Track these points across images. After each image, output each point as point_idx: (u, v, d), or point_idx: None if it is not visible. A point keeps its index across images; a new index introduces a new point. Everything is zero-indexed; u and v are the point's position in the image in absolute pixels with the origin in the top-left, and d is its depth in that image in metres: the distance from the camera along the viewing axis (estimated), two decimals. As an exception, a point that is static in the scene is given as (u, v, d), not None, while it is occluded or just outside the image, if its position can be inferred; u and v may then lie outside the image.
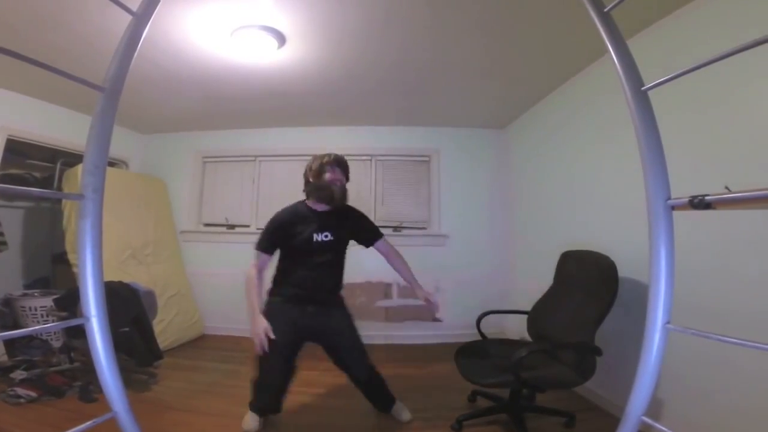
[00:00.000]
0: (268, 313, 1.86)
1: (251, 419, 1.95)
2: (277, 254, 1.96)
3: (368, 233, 2.00)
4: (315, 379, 2.61)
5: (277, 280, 2.00)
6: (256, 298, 1.88)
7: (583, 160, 2.52)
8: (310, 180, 1.91)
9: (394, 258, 2.04)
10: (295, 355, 1.94)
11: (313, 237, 1.86)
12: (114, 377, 0.54)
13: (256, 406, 1.96)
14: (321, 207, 1.92)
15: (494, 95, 3.00)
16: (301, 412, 2.16)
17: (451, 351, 2.04)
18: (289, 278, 1.95)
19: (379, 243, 2.02)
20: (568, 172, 2.68)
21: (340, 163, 1.89)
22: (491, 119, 3.60)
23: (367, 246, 2.02)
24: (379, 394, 2.06)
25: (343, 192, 1.90)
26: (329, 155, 1.91)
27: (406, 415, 2.07)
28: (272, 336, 1.76)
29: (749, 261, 1.42)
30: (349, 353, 1.98)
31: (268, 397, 1.93)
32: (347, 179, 1.94)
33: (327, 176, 1.85)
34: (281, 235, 1.91)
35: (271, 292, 1.99)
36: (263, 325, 1.77)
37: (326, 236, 1.88)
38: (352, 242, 2.04)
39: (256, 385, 1.95)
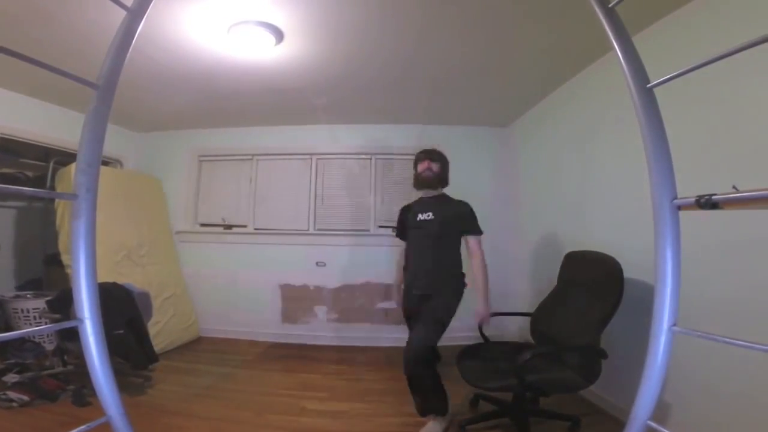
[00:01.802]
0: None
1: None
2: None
3: (466, 223, 2.14)
4: (316, 382, 2.62)
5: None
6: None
7: (587, 159, 2.52)
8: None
9: (472, 260, 2.11)
10: None
11: (418, 216, 2.20)
12: (108, 380, 0.54)
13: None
14: (426, 193, 2.26)
15: (496, 93, 3.00)
16: (301, 414, 2.16)
17: (453, 354, 2.04)
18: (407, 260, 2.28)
19: (470, 238, 2.12)
20: (572, 170, 2.68)
21: (428, 154, 2.23)
22: (494, 117, 3.60)
23: (461, 232, 2.16)
24: (418, 390, 1.98)
25: (435, 176, 2.20)
26: (421, 151, 2.28)
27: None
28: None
29: (757, 262, 1.42)
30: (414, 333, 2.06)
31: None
32: (441, 166, 2.23)
33: (418, 167, 2.24)
34: (401, 219, 2.36)
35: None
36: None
37: (428, 215, 2.16)
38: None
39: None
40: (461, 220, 2.13)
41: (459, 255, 2.18)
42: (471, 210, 2.17)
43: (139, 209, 3.55)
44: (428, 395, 1.98)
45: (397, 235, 2.44)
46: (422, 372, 1.92)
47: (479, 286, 2.05)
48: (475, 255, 2.09)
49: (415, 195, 2.38)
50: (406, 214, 2.32)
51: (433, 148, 2.32)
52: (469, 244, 2.12)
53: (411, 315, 2.20)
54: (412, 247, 2.26)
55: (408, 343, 2.00)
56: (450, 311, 2.05)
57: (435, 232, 2.13)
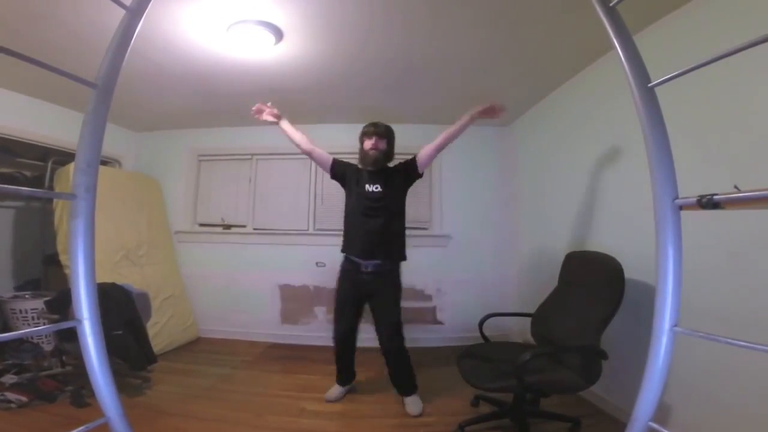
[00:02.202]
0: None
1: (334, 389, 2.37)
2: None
3: (411, 165, 2.23)
4: (315, 383, 2.62)
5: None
6: None
7: (588, 159, 2.52)
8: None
9: (439, 143, 2.21)
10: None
11: (366, 186, 2.23)
12: (107, 381, 0.54)
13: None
14: (370, 169, 2.28)
15: (497, 92, 2.99)
16: (300, 415, 2.16)
17: (453, 354, 2.04)
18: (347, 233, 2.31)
19: (421, 157, 2.23)
20: (573, 170, 2.68)
21: (376, 129, 2.25)
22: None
23: (421, 172, 2.26)
24: (400, 369, 2.23)
25: (382, 155, 2.24)
26: (368, 124, 2.29)
27: (414, 408, 2.16)
28: None
29: (759, 262, 1.42)
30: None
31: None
32: (388, 142, 2.28)
33: (365, 143, 2.25)
34: (345, 169, 2.35)
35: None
36: None
37: (377, 188, 2.21)
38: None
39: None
40: (406, 170, 2.25)
41: (404, 225, 2.29)
42: (405, 161, 2.28)
43: (138, 209, 3.54)
44: (407, 374, 2.23)
45: (331, 168, 2.34)
46: (403, 350, 2.20)
47: (456, 127, 2.18)
48: (436, 143, 2.21)
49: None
50: (355, 174, 2.31)
51: (381, 122, 2.31)
52: (426, 155, 2.22)
53: (361, 289, 2.23)
54: (358, 217, 2.22)
55: (383, 326, 2.18)
56: (401, 288, 2.26)
57: (386, 204, 2.19)
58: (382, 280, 2.19)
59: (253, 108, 2.30)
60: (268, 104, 2.32)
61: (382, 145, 2.24)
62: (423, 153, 2.25)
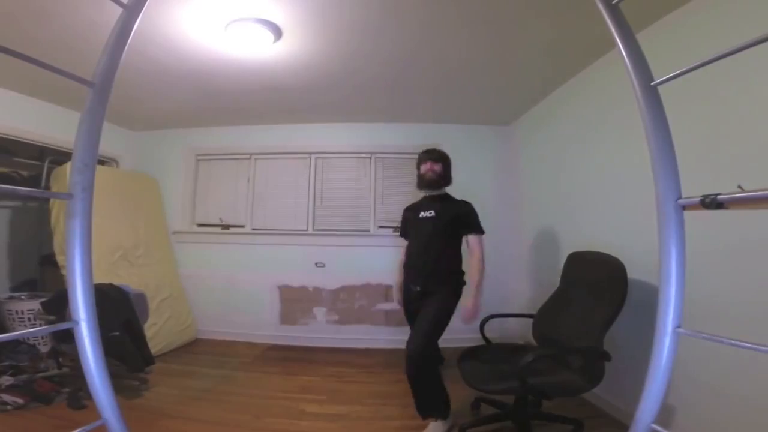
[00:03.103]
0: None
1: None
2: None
3: (468, 222, 2.21)
4: (315, 384, 2.62)
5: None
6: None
7: (590, 158, 2.52)
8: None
9: (471, 258, 2.17)
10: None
11: (420, 214, 2.29)
12: (104, 383, 0.54)
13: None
14: (429, 193, 2.33)
15: (498, 91, 3.00)
16: (300, 417, 2.16)
17: (454, 356, 2.04)
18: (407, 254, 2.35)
19: (470, 236, 2.18)
20: (575, 169, 2.68)
21: (430, 155, 2.30)
22: (495, 115, 3.60)
23: (462, 233, 2.22)
24: (420, 391, 1.97)
25: (437, 177, 2.27)
26: (423, 152, 2.35)
27: None
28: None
29: (763, 262, 1.42)
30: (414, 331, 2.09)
31: None
32: (444, 166, 2.30)
33: (421, 168, 2.31)
34: (405, 217, 2.44)
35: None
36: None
37: (430, 213, 2.24)
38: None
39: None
40: (463, 219, 2.20)
41: (459, 253, 2.23)
42: (473, 209, 2.25)
43: (136, 209, 3.55)
44: (428, 396, 1.99)
45: (401, 235, 2.49)
46: (423, 371, 1.95)
47: (472, 280, 2.10)
48: (474, 253, 2.15)
49: (416, 194, 2.42)
50: (410, 213, 2.40)
51: (434, 147, 2.38)
52: (469, 242, 2.17)
53: (411, 313, 2.23)
54: (413, 243, 2.32)
55: (408, 341, 2.01)
56: (449, 310, 2.09)
57: (436, 229, 2.19)
58: (429, 295, 2.12)
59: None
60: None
61: (437, 167, 2.27)
62: (473, 244, 2.16)
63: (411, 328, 2.15)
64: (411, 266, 2.27)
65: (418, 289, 2.17)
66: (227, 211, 3.93)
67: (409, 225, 2.39)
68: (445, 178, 2.30)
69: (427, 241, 2.21)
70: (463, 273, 2.21)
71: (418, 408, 2.01)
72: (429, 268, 2.16)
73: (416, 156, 2.37)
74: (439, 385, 1.99)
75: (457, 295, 2.16)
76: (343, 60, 2.47)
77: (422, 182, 2.30)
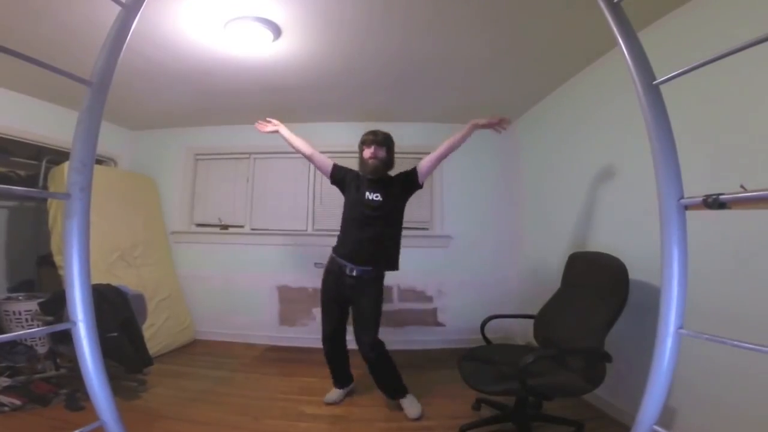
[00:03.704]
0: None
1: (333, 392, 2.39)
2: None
3: (412, 175, 2.26)
4: (314, 386, 2.62)
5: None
6: None
7: (591, 158, 2.52)
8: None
9: (440, 153, 2.25)
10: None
11: (366, 194, 2.24)
12: (102, 384, 0.54)
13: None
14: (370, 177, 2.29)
15: (499, 90, 2.99)
16: (299, 419, 2.16)
17: (454, 357, 2.04)
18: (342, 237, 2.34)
19: (422, 168, 2.25)
20: (576, 169, 2.68)
21: (374, 137, 2.26)
22: (496, 114, 3.59)
23: (421, 183, 2.28)
24: (384, 375, 2.24)
25: (382, 164, 2.25)
26: (366, 133, 2.30)
27: (413, 410, 2.15)
28: None
29: (766, 263, 1.42)
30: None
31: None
32: (388, 151, 2.29)
33: (364, 152, 2.26)
34: (344, 175, 2.38)
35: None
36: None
37: (377, 196, 2.22)
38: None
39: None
40: (406, 181, 2.27)
41: (399, 241, 2.31)
42: (405, 171, 2.30)
43: (134, 209, 3.54)
44: (394, 378, 2.24)
45: (333, 182, 2.41)
46: (384, 357, 2.21)
47: (455, 139, 2.26)
48: (435, 155, 2.26)
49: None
50: (353, 180, 2.33)
51: (380, 130, 2.32)
52: (425, 166, 2.26)
53: (341, 292, 2.25)
54: (355, 223, 2.24)
55: (360, 333, 2.19)
56: (381, 300, 2.26)
57: (382, 214, 2.21)
58: (363, 286, 2.19)
59: (255, 126, 2.43)
60: (267, 119, 2.42)
61: (381, 153, 2.24)
62: (424, 163, 2.27)
63: (328, 310, 2.29)
64: (351, 248, 2.21)
65: (354, 274, 2.17)
66: (226, 211, 3.93)
67: (350, 194, 2.31)
68: (389, 163, 2.29)
69: (371, 226, 2.19)
70: (397, 260, 2.29)
71: (389, 393, 2.25)
72: (370, 256, 2.18)
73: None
74: (395, 366, 2.25)
75: (382, 279, 2.27)
76: (343, 59, 2.47)
77: (365, 168, 2.25)
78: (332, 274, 2.27)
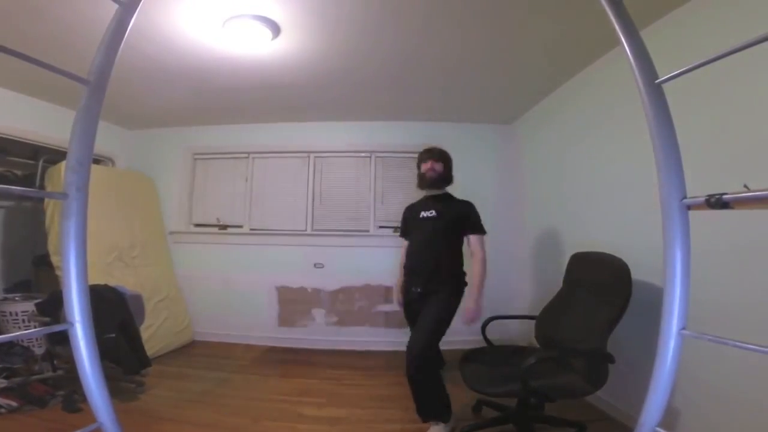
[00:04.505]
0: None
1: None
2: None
3: (469, 222, 2.22)
4: (313, 387, 2.62)
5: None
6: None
7: (594, 157, 2.52)
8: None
9: (473, 257, 2.18)
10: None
11: (421, 214, 2.28)
12: (99, 386, 0.54)
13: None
14: (430, 192, 2.32)
15: (500, 89, 3.00)
16: (298, 420, 2.16)
17: (455, 358, 2.04)
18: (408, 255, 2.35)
19: (472, 237, 2.19)
20: (578, 169, 2.68)
21: (431, 154, 2.30)
22: (497, 114, 3.60)
23: (463, 234, 2.23)
24: (420, 393, 1.99)
25: (438, 176, 2.27)
26: (423, 151, 2.34)
27: None
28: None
29: (769, 263, 1.42)
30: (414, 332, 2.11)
31: None
32: (445, 165, 2.30)
33: (422, 167, 2.30)
34: (405, 217, 2.45)
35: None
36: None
37: (431, 213, 2.24)
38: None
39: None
40: (464, 219, 2.21)
41: (461, 254, 2.23)
42: (474, 209, 2.26)
43: (132, 209, 3.55)
44: (429, 398, 2.00)
45: (401, 235, 2.49)
46: (423, 373, 1.96)
47: (474, 282, 2.11)
48: (476, 253, 2.16)
49: (416, 194, 2.41)
50: (410, 212, 2.40)
51: (436, 146, 2.37)
52: (471, 242, 2.18)
53: (412, 314, 2.22)
54: (414, 243, 2.32)
55: (410, 342, 2.02)
56: (450, 310, 2.09)
57: (437, 229, 2.19)
58: (428, 297, 2.11)
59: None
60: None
61: (438, 167, 2.27)
62: (474, 245, 2.18)
63: (411, 330, 2.15)
64: (411, 267, 2.26)
65: (419, 290, 2.16)
66: (225, 211, 3.93)
67: (409, 225, 2.40)
68: (447, 177, 2.30)
69: (428, 242, 2.21)
70: (464, 273, 2.21)
71: (418, 411, 2.02)
72: (430, 269, 2.15)
73: (416, 155, 2.37)
74: (440, 387, 2.00)
75: (458, 295, 2.16)
76: (342, 57, 2.47)
77: (423, 182, 2.29)
78: (408, 304, 2.27)
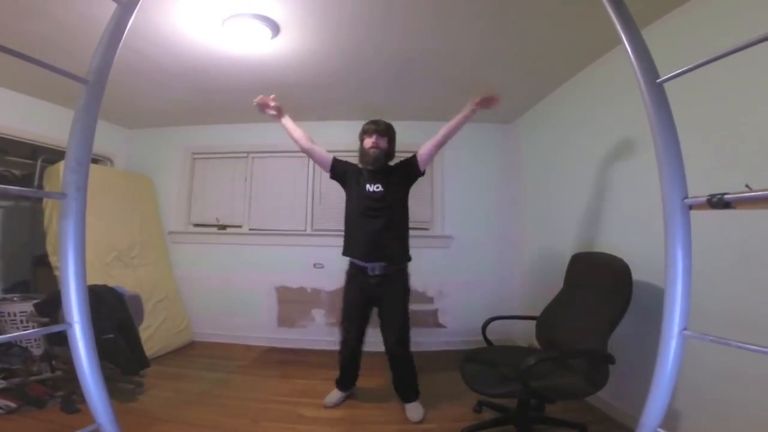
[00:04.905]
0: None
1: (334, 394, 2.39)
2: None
3: (411, 161, 2.24)
4: (313, 388, 2.62)
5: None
6: None
7: (594, 157, 2.52)
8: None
9: (439, 140, 2.23)
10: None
11: (367, 186, 2.23)
12: (98, 387, 0.54)
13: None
14: (370, 168, 2.27)
15: (500, 88, 2.96)
16: (298, 421, 2.16)
17: (455, 359, 2.04)
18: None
19: (421, 155, 2.24)
20: (579, 169, 2.68)
21: (376, 127, 2.25)
22: (497, 113, 3.59)
23: (422, 170, 2.26)
24: (406, 376, 2.26)
25: (383, 154, 2.24)
26: (368, 122, 2.29)
27: (415, 414, 2.18)
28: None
29: (771, 263, 1.42)
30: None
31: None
32: (390, 140, 2.28)
33: (365, 142, 2.25)
34: (345, 168, 2.36)
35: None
36: None
37: (377, 187, 2.21)
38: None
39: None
40: (408, 168, 2.25)
41: (408, 220, 2.30)
42: (408, 158, 2.29)
43: (130, 209, 3.54)
44: (412, 380, 2.26)
45: (332, 177, 2.37)
46: (410, 360, 2.23)
47: (458, 120, 2.20)
48: (437, 138, 2.23)
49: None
50: (353, 173, 2.32)
51: (382, 120, 2.32)
52: (426, 152, 2.24)
53: (366, 298, 2.25)
54: (360, 218, 2.22)
55: (389, 333, 2.19)
56: (409, 290, 2.27)
57: (387, 204, 2.20)
58: (391, 283, 2.19)
59: (256, 100, 2.25)
60: (272, 97, 2.27)
61: (383, 143, 2.23)
62: (423, 150, 2.26)
63: (352, 318, 2.27)
64: (360, 245, 2.20)
65: (377, 272, 2.16)
66: (224, 210, 3.93)
67: (351, 189, 2.30)
68: (390, 153, 2.27)
69: (381, 220, 2.17)
70: (407, 250, 2.29)
71: (405, 394, 2.26)
72: (385, 249, 2.16)
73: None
74: (415, 371, 2.27)
75: (407, 278, 2.28)
76: (342, 57, 2.47)
77: (366, 158, 2.23)
78: (355, 280, 2.26)
